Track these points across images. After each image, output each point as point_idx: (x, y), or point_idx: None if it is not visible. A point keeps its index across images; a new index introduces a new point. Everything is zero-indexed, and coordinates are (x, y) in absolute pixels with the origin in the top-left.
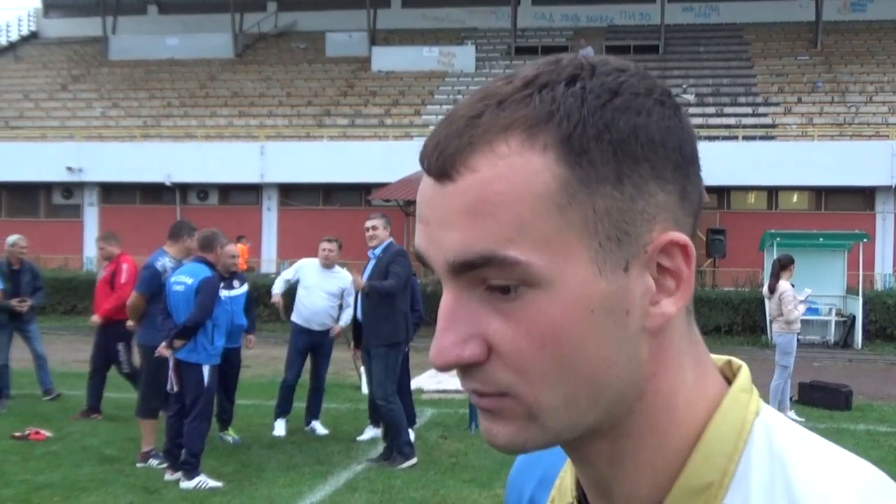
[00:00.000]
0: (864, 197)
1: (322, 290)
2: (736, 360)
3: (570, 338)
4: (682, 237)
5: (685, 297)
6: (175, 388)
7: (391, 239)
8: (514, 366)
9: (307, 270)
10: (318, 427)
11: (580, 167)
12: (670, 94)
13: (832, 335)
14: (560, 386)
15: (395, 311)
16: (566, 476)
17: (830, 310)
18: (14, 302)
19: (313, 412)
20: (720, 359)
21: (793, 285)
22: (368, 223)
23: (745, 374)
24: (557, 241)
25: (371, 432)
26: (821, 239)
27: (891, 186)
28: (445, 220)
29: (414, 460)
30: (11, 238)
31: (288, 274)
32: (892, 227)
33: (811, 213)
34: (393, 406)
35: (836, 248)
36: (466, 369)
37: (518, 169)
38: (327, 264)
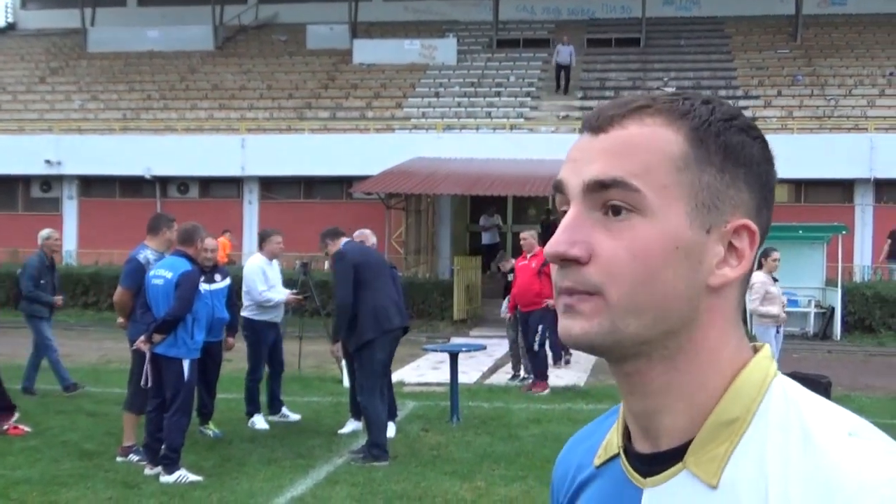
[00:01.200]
0: (844, 189)
1: (280, 282)
2: (759, 343)
3: (656, 259)
4: (753, 225)
5: (743, 269)
6: (149, 383)
7: (341, 245)
8: (607, 269)
9: (267, 270)
10: (290, 412)
11: (699, 149)
12: (767, 142)
13: (811, 327)
14: (638, 294)
15: (359, 313)
16: (612, 437)
17: (810, 301)
18: (58, 299)
19: (279, 399)
20: (749, 343)
21: (776, 279)
22: (323, 248)
23: (767, 348)
24: (669, 190)
25: (352, 425)
26: (800, 231)
27: (869, 179)
28: (591, 157)
29: (384, 463)
30: (45, 231)
31: (263, 283)
32: (871, 220)
33: (791, 206)
34: (367, 404)
35: (815, 240)
36: (566, 267)
37: (658, 134)
38: (278, 257)
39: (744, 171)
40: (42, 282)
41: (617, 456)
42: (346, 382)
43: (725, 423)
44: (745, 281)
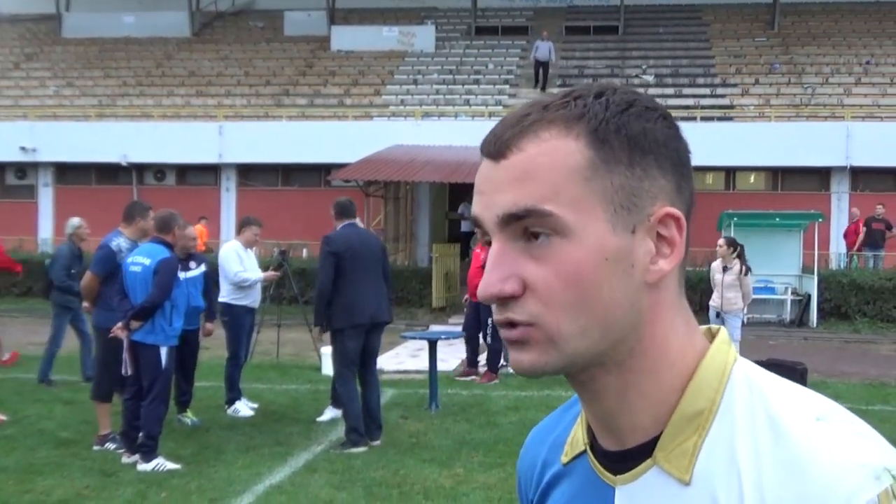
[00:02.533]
0: (820, 177)
1: (256, 268)
2: (714, 326)
3: (588, 278)
4: (675, 211)
5: (677, 258)
6: (129, 371)
7: (338, 227)
8: (543, 299)
9: (243, 255)
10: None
11: (603, 150)
12: (670, 115)
13: (788, 314)
14: (579, 317)
15: (333, 301)
16: (577, 431)
17: (786, 289)
18: None
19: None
20: (702, 327)
21: (748, 269)
22: None
23: (723, 332)
24: (583, 203)
25: (330, 413)
26: (777, 219)
27: (846, 167)
28: (498, 187)
29: (362, 449)
30: (75, 221)
31: (238, 265)
32: (847, 207)
33: (768, 194)
34: (341, 390)
35: (791, 227)
36: (504, 302)
37: (557, 148)
38: (253, 246)
39: (653, 157)
40: (73, 271)
41: (584, 453)
42: (325, 370)
43: (691, 417)
44: (679, 268)
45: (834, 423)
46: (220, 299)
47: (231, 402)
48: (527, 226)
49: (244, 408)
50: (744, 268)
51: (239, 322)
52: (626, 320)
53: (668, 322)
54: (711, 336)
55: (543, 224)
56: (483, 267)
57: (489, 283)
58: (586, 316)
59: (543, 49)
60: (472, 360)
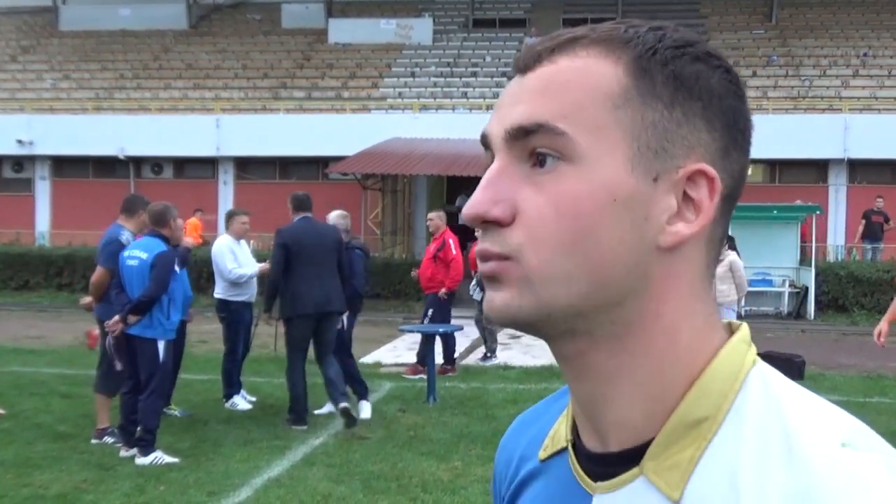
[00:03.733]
0: (818, 169)
1: (250, 261)
2: (736, 322)
3: (588, 216)
4: (711, 170)
5: (702, 224)
6: (121, 366)
7: (293, 220)
8: (531, 230)
9: (236, 249)
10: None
11: (642, 81)
12: (738, 76)
13: (785, 306)
14: (566, 258)
15: (282, 291)
16: (561, 426)
17: (784, 281)
18: None
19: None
20: (723, 322)
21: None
22: None
23: (745, 329)
24: (604, 131)
25: (329, 407)
26: (775, 211)
27: (843, 159)
28: (517, 99)
29: (302, 427)
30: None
31: (233, 261)
32: (845, 200)
33: (765, 186)
34: (287, 375)
35: (789, 220)
36: (487, 228)
37: (591, 67)
38: (244, 237)
39: (701, 105)
40: None
41: (564, 450)
42: None
43: (691, 424)
44: (712, 240)
45: (862, 451)
46: (216, 295)
47: (228, 396)
48: (536, 146)
49: (242, 401)
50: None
51: (236, 318)
52: (627, 282)
53: (683, 304)
54: (731, 333)
55: (554, 145)
56: (434, 258)
57: (477, 202)
58: (575, 260)
59: None
60: (447, 357)
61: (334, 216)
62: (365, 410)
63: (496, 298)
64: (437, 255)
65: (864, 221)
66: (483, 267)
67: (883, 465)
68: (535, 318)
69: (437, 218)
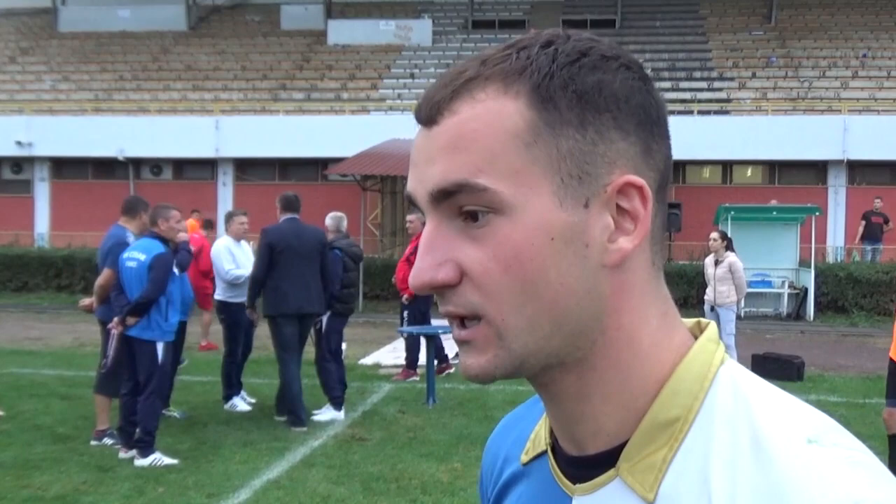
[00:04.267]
0: (817, 171)
1: (250, 262)
2: (704, 320)
3: (531, 261)
4: (638, 179)
5: (641, 234)
6: (109, 365)
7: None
8: (482, 287)
9: (235, 250)
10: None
11: (547, 111)
12: (639, 63)
13: (785, 307)
14: (524, 308)
15: (266, 289)
16: (541, 429)
17: (783, 282)
18: None
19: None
20: (689, 321)
21: (718, 261)
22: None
23: (712, 328)
24: (523, 173)
25: (329, 413)
26: (774, 212)
27: (842, 160)
28: (430, 157)
29: (301, 429)
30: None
31: (230, 262)
32: (844, 201)
33: (765, 187)
34: (281, 371)
35: (788, 221)
36: (442, 292)
37: (492, 110)
38: (244, 237)
39: (610, 115)
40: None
41: (545, 453)
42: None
43: (663, 425)
44: (654, 239)
45: (827, 446)
46: (217, 297)
47: (228, 397)
48: (462, 204)
49: (241, 403)
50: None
51: (235, 319)
52: (583, 310)
53: (638, 311)
54: (700, 331)
55: (479, 201)
56: (408, 260)
57: (421, 270)
58: (532, 306)
59: None
60: (410, 361)
61: (328, 217)
62: (326, 415)
63: (472, 365)
64: (409, 257)
65: (863, 223)
66: (457, 334)
67: (847, 460)
68: (512, 371)
69: (416, 220)
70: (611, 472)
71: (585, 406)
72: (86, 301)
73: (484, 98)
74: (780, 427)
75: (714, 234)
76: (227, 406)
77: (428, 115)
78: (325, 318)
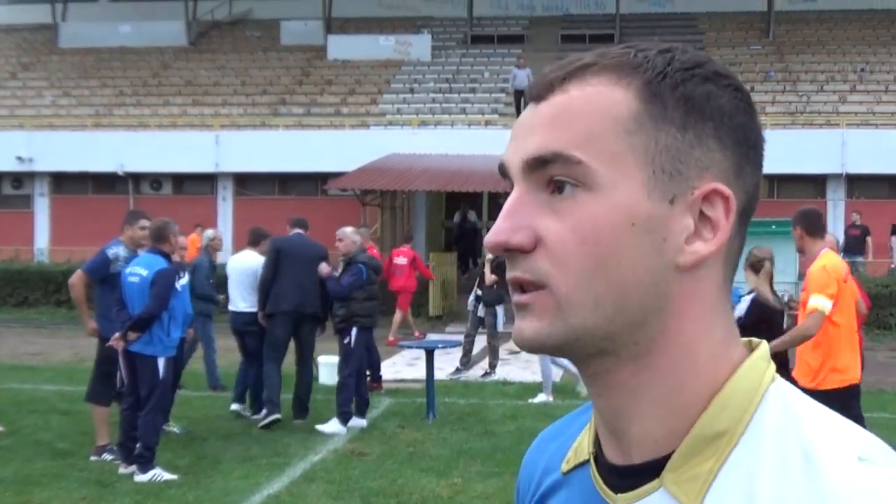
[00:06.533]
0: (816, 184)
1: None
2: (755, 339)
3: (608, 241)
4: (725, 189)
5: (720, 243)
6: (125, 382)
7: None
8: (555, 257)
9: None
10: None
11: (653, 105)
12: (747, 92)
13: (785, 321)
14: (591, 283)
15: (269, 290)
16: (583, 439)
17: (783, 296)
18: (223, 297)
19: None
20: (743, 340)
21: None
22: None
23: (764, 347)
24: (618, 157)
25: (335, 426)
26: (773, 226)
27: (841, 174)
28: (532, 129)
29: (276, 416)
30: (210, 232)
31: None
32: (843, 214)
33: (764, 201)
34: (264, 364)
35: (788, 235)
36: (514, 256)
37: (602, 94)
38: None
39: (713, 125)
40: (210, 281)
41: (587, 463)
42: (322, 379)
43: (711, 437)
44: (729, 258)
45: (879, 465)
46: (247, 309)
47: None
48: (553, 175)
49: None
50: None
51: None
52: (649, 303)
53: (702, 321)
54: (751, 349)
55: (571, 173)
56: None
57: (498, 230)
58: (601, 284)
59: (521, 77)
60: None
61: (353, 231)
62: (330, 427)
63: (526, 329)
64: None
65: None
66: (517, 298)
67: None
68: (564, 344)
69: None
70: (655, 482)
71: (635, 405)
72: (90, 326)
73: (596, 83)
74: (831, 444)
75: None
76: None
77: (538, 92)
78: (353, 334)
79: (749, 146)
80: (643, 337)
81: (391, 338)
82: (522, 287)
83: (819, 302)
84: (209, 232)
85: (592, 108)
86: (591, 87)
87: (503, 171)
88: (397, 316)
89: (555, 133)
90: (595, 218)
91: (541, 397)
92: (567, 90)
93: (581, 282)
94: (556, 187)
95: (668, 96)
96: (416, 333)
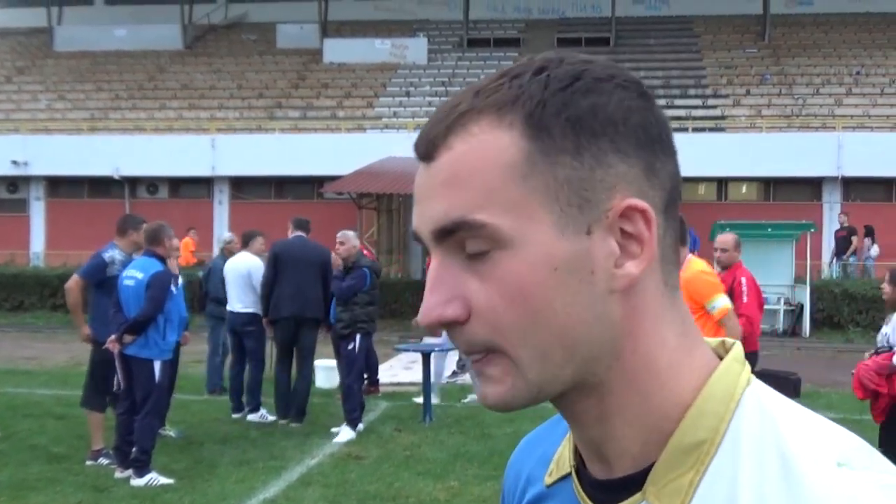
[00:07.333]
0: (812, 187)
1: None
2: (729, 340)
3: (535, 294)
4: (639, 202)
5: (648, 258)
6: (122, 386)
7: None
8: (489, 323)
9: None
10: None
11: (541, 140)
12: (636, 81)
13: (781, 324)
14: (533, 339)
15: (271, 296)
16: (565, 449)
17: (779, 299)
18: None
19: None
20: (713, 340)
21: None
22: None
23: (738, 348)
24: (522, 206)
25: (348, 433)
26: (769, 229)
27: (837, 177)
28: (430, 194)
29: (272, 418)
30: (227, 235)
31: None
32: (839, 217)
33: (760, 204)
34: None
35: (784, 237)
36: (451, 329)
37: (487, 144)
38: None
39: (607, 139)
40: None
41: (569, 475)
42: (319, 383)
43: (689, 448)
44: (664, 257)
45: (858, 470)
46: (245, 309)
47: (256, 408)
48: (463, 240)
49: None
50: None
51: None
52: (595, 337)
53: (652, 333)
54: (725, 351)
55: (479, 236)
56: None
57: (430, 307)
58: (540, 336)
59: None
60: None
61: (355, 236)
62: (343, 435)
63: (489, 395)
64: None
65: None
66: (473, 364)
67: (878, 484)
68: (530, 400)
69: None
70: (637, 495)
71: (607, 428)
72: (85, 332)
73: (478, 132)
74: (808, 450)
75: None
76: (257, 417)
77: (425, 152)
78: (357, 340)
79: (653, 141)
80: (599, 367)
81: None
82: (475, 353)
83: (724, 301)
84: (226, 235)
85: (481, 162)
86: (473, 139)
87: (417, 238)
88: None
89: (452, 198)
90: (516, 275)
91: (471, 397)
92: (452, 146)
93: (523, 340)
94: (475, 253)
95: (554, 125)
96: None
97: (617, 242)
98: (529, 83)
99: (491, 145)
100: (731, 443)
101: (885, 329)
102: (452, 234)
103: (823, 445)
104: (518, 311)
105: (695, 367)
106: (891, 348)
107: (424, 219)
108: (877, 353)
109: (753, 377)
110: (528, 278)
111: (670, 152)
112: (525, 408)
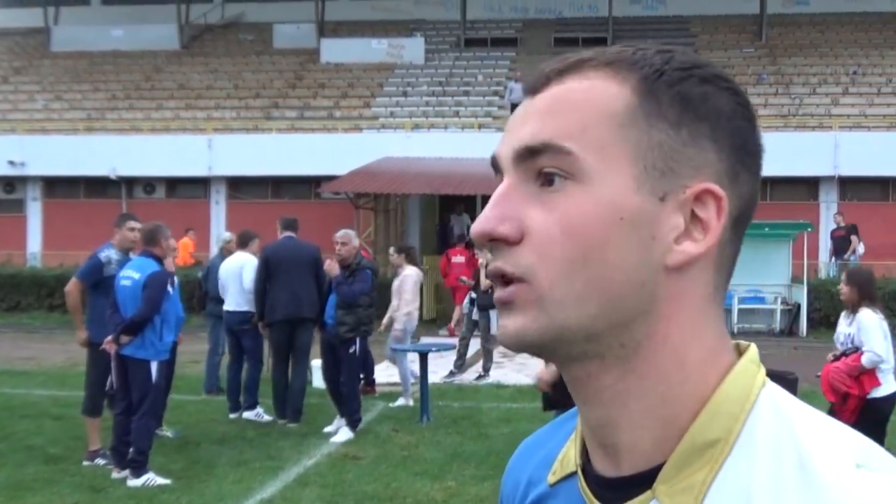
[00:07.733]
0: (809, 187)
1: None
2: (744, 342)
3: (594, 234)
4: (718, 189)
5: (710, 244)
6: (115, 385)
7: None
8: (540, 249)
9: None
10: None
11: (648, 102)
12: (748, 100)
13: (778, 323)
14: (575, 279)
15: (266, 299)
16: (570, 450)
17: (776, 298)
18: None
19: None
20: (732, 342)
21: None
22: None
23: (753, 350)
24: (610, 150)
25: (346, 433)
26: (766, 229)
27: (834, 177)
28: (525, 119)
29: (268, 417)
30: (226, 235)
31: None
32: (834, 217)
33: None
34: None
35: (781, 237)
36: (497, 247)
37: (598, 88)
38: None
39: (708, 126)
40: None
41: (574, 474)
42: (316, 382)
43: (703, 446)
44: (721, 264)
45: (876, 471)
46: (238, 308)
47: (252, 406)
48: (543, 165)
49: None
50: None
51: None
52: (636, 302)
53: (691, 324)
54: (740, 353)
55: (560, 164)
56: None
57: (485, 219)
58: (585, 280)
59: (518, 91)
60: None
61: (355, 237)
62: (342, 436)
63: (509, 325)
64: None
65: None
66: (498, 294)
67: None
68: (548, 341)
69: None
70: (647, 493)
71: (622, 412)
72: (81, 336)
73: (593, 77)
74: (826, 451)
75: None
76: (253, 415)
77: (534, 85)
78: (358, 343)
79: (746, 152)
80: (629, 339)
81: (451, 324)
82: (504, 279)
83: None
84: (225, 234)
85: (587, 100)
86: (587, 81)
87: (495, 164)
88: (457, 311)
89: (547, 123)
90: (583, 210)
91: (400, 401)
92: (564, 82)
93: (564, 276)
94: (546, 180)
95: (664, 93)
96: (451, 325)
97: (684, 220)
98: (654, 56)
99: (601, 90)
100: (747, 443)
101: (846, 329)
102: (535, 155)
103: (841, 447)
104: (572, 247)
105: (720, 367)
106: (857, 349)
107: (511, 139)
108: (844, 354)
109: (769, 379)
110: (593, 217)
111: (756, 173)
112: (539, 348)
